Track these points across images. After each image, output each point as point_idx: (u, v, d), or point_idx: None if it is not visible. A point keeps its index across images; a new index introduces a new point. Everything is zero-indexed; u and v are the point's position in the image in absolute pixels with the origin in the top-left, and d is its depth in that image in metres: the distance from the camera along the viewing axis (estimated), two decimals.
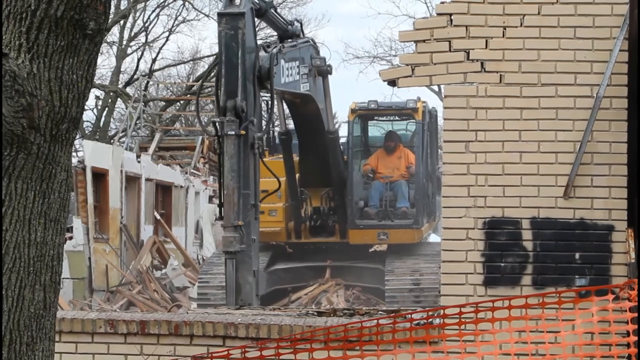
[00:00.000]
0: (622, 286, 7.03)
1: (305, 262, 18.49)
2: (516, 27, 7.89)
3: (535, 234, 7.84)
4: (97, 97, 39.98)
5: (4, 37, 4.24)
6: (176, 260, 23.60)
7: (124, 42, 41.42)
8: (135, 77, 39.58)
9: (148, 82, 38.30)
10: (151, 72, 41.02)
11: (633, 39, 7.70)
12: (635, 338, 6.65)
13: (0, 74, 4.12)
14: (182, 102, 39.51)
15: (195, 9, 41.91)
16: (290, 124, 18.70)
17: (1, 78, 4.12)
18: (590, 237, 7.79)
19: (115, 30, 40.18)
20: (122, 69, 41.76)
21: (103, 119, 39.86)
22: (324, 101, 16.70)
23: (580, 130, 7.78)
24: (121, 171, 23.12)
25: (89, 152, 21.81)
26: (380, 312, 8.67)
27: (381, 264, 18.27)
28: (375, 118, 19.98)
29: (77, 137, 28.13)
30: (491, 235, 7.86)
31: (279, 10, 16.16)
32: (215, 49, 31.84)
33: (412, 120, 18.99)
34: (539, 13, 7.87)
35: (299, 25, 15.72)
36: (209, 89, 31.81)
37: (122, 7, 38.81)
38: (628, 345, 6.78)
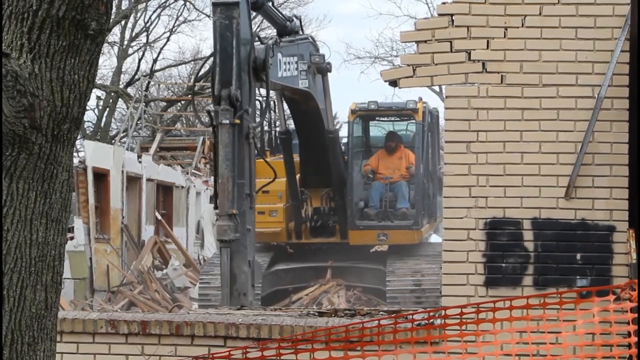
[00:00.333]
0: (623, 287, 7.02)
1: (306, 262, 18.48)
2: (517, 27, 7.89)
3: (537, 234, 7.84)
4: (99, 98, 40.00)
5: (5, 38, 4.24)
6: (177, 261, 23.60)
7: (125, 43, 41.43)
8: (137, 77, 39.58)
9: (149, 82, 38.30)
10: (152, 72, 41.03)
11: (634, 40, 7.70)
12: (636, 339, 6.65)
13: (1, 74, 4.13)
14: (183, 102, 39.51)
15: (196, 9, 41.95)
16: (291, 124, 18.70)
17: (1, 78, 4.12)
18: (591, 238, 7.79)
19: (117, 30, 40.21)
20: (123, 69, 41.80)
21: (104, 119, 39.87)
22: (324, 100, 16.68)
23: (581, 130, 7.78)
24: (122, 171, 23.13)
25: (90, 153, 21.81)
26: (381, 313, 8.67)
27: (382, 265, 18.26)
28: (377, 119, 19.98)
29: (78, 137, 28.16)
30: (492, 235, 7.86)
31: (280, 9, 16.09)
32: None
33: (412, 121, 18.99)
34: (540, 14, 7.87)
35: (298, 22, 15.68)
36: (209, 89, 31.77)
37: (123, 8, 38.82)
38: (629, 346, 6.77)
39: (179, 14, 42.32)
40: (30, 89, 4.21)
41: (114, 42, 40.67)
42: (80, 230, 21.09)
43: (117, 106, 41.26)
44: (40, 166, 4.32)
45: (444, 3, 8.06)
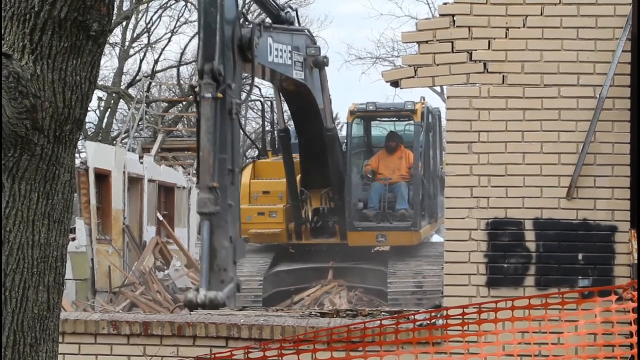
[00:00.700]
0: (625, 287, 7.02)
1: (308, 263, 18.48)
2: (519, 28, 7.89)
3: (539, 235, 7.84)
4: (100, 99, 39.99)
5: (8, 39, 4.24)
6: (179, 262, 23.59)
7: (127, 44, 41.43)
8: (138, 78, 39.58)
9: (151, 83, 38.30)
10: (154, 73, 41.02)
11: (636, 40, 7.70)
12: (638, 339, 6.65)
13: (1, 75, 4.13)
14: (184, 103, 39.50)
15: (198, 10, 41.88)
16: (291, 125, 18.70)
17: (1, 79, 4.12)
18: (593, 238, 7.79)
19: (118, 31, 40.20)
20: (124, 71, 41.79)
21: (106, 120, 39.87)
22: (322, 96, 16.63)
23: (583, 131, 7.78)
24: (124, 172, 23.12)
25: (91, 154, 21.81)
26: (383, 313, 8.67)
27: (384, 266, 18.26)
28: (378, 119, 19.99)
29: (80, 138, 28.16)
30: (494, 236, 7.86)
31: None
32: None
33: (410, 122, 18.99)
34: (542, 14, 7.87)
35: (294, 14, 15.58)
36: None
37: (124, 9, 38.83)
38: (631, 347, 6.77)
39: (180, 15, 42.31)
40: (33, 91, 4.21)
41: (116, 43, 40.68)
42: (82, 232, 21.09)
43: (119, 107, 41.26)
44: (42, 167, 4.32)
45: (445, 4, 8.07)
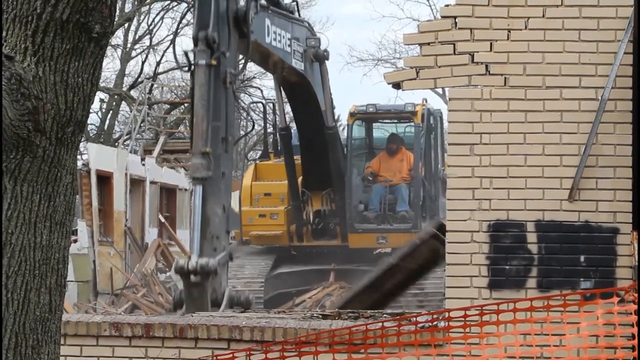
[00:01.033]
0: (627, 289, 7.02)
1: (309, 265, 18.49)
2: (521, 29, 7.88)
3: (540, 236, 7.83)
4: (102, 100, 39.99)
5: (9, 41, 4.24)
6: None
7: (129, 45, 41.44)
8: (140, 80, 39.59)
9: (152, 85, 38.31)
10: (155, 75, 41.03)
11: (637, 42, 7.69)
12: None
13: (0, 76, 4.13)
14: (186, 104, 39.49)
15: None
16: (293, 127, 18.70)
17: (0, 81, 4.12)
18: (595, 240, 7.79)
19: (120, 33, 40.20)
20: (126, 72, 41.79)
21: (107, 121, 39.88)
22: (322, 90, 16.59)
23: (585, 132, 7.77)
24: (126, 174, 23.13)
25: (93, 155, 21.82)
26: (385, 315, 8.67)
27: None
28: (379, 121, 20.01)
29: (82, 140, 28.10)
30: (496, 238, 7.85)
31: None
32: None
33: (411, 124, 19.01)
34: (543, 16, 7.87)
35: (294, 4, 15.47)
36: None
37: (126, 10, 38.83)
38: (633, 348, 6.77)
39: (183, 16, 42.29)
40: (34, 92, 4.21)
41: (118, 45, 40.68)
42: (84, 233, 21.09)
43: (121, 109, 41.26)
44: (44, 169, 4.32)
45: (447, 5, 8.07)
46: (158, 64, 41.69)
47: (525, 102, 7.87)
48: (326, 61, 16.59)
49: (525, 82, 7.88)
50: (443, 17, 8.02)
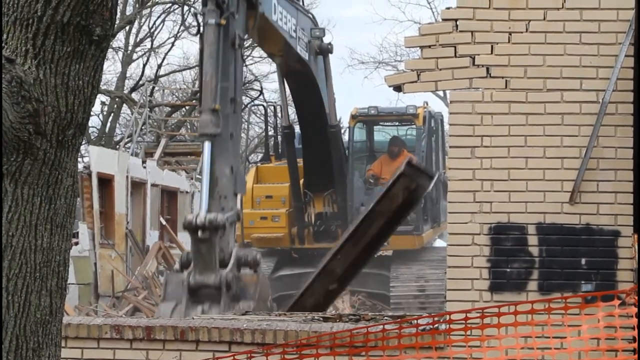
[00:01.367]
0: (628, 292, 7.01)
1: (310, 267, 18.47)
2: (522, 32, 7.89)
3: (541, 239, 7.84)
4: (103, 103, 40.00)
5: (10, 44, 4.24)
6: None
7: (130, 48, 41.46)
8: (141, 82, 39.59)
9: (153, 87, 38.32)
10: (157, 77, 41.05)
11: (638, 45, 7.69)
12: None
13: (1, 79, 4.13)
14: (187, 107, 39.52)
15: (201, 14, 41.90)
16: (296, 125, 18.69)
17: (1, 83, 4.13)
18: (596, 243, 7.79)
19: (121, 35, 40.22)
20: (127, 75, 41.80)
21: (109, 124, 39.89)
22: (325, 85, 16.54)
23: (586, 135, 7.77)
24: (127, 177, 23.13)
25: (94, 158, 21.82)
26: (386, 318, 8.67)
27: (386, 270, 18.27)
28: (381, 124, 20.01)
29: (83, 142, 28.12)
30: (497, 240, 7.85)
31: None
32: None
33: (412, 126, 19.00)
34: (544, 18, 7.87)
35: None
36: None
37: (127, 13, 38.84)
38: (634, 351, 6.76)
39: (184, 19, 42.32)
40: (35, 95, 4.21)
41: (119, 47, 40.70)
42: (85, 236, 21.09)
43: (122, 111, 41.28)
44: (45, 172, 4.32)
45: (448, 8, 8.07)
46: (159, 66, 41.73)
47: (526, 104, 7.88)
48: (330, 54, 16.50)
49: (526, 84, 7.88)
50: (444, 19, 8.02)
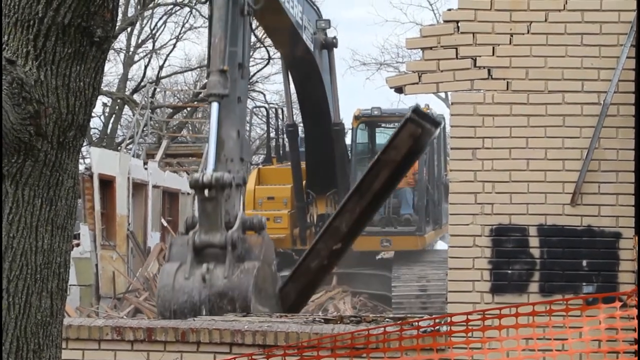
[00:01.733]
0: (629, 293, 7.01)
1: None
2: (523, 34, 7.89)
3: (543, 241, 7.83)
4: (104, 104, 40.02)
5: (11, 45, 4.24)
6: None
7: (131, 49, 41.48)
8: (143, 84, 39.61)
9: (155, 89, 38.34)
10: (158, 79, 41.07)
11: None
12: None
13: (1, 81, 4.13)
14: (189, 109, 39.54)
15: (202, 16, 41.94)
16: (299, 122, 18.68)
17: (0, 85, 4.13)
18: (597, 244, 7.78)
19: (123, 37, 40.24)
20: (129, 76, 41.82)
21: (110, 125, 39.91)
22: (330, 80, 16.47)
23: (587, 137, 7.77)
24: (128, 178, 23.14)
25: (96, 159, 21.83)
26: (387, 320, 8.66)
27: (388, 271, 18.27)
28: (383, 125, 20.02)
29: (85, 144, 28.16)
30: (498, 242, 7.85)
31: None
32: None
33: None
34: (546, 20, 7.87)
35: None
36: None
37: (129, 15, 38.87)
38: (635, 353, 6.75)
39: (185, 20, 42.35)
40: (36, 96, 4.21)
41: (120, 48, 40.73)
42: (86, 237, 21.10)
43: (123, 113, 41.30)
44: (45, 173, 4.32)
45: (449, 10, 8.07)
46: (161, 68, 41.76)
47: (527, 106, 7.87)
48: (335, 49, 16.44)
49: (527, 86, 7.88)
50: (445, 21, 8.02)
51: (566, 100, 7.85)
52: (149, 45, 42.52)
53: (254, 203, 18.84)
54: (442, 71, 7.98)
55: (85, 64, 4.33)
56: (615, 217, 7.78)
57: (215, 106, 11.39)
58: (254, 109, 32.43)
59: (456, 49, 7.95)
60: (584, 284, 7.79)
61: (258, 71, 38.60)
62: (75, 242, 20.17)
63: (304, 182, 18.11)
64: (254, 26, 12.92)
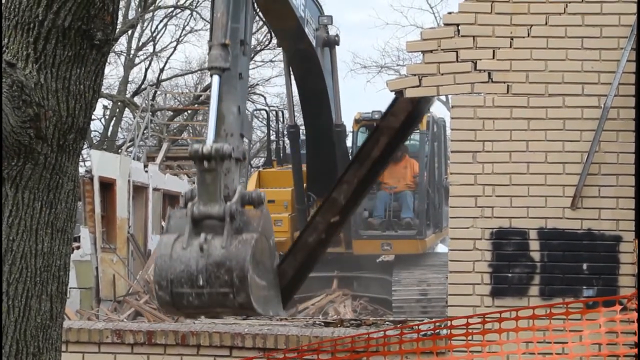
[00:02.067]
0: (629, 297, 7.01)
1: (312, 272, 18.44)
2: (523, 37, 7.88)
3: (543, 244, 7.83)
4: (105, 107, 40.04)
5: (11, 48, 4.24)
6: None
7: (132, 52, 41.49)
8: (143, 86, 39.61)
9: (156, 91, 38.32)
10: (159, 81, 41.07)
11: None
12: None
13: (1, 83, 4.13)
14: (189, 111, 39.56)
15: (203, 18, 41.98)
16: (300, 123, 18.65)
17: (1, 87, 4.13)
18: (597, 248, 7.78)
19: (123, 40, 40.26)
20: (129, 79, 41.83)
21: (111, 128, 39.91)
22: (331, 79, 16.42)
23: (587, 140, 7.77)
24: (129, 181, 23.13)
25: (96, 162, 21.82)
26: (387, 323, 8.66)
27: (388, 275, 18.26)
28: None
29: (85, 146, 28.13)
30: (498, 245, 7.84)
31: None
32: None
33: (416, 131, 18.99)
34: (546, 23, 7.87)
35: None
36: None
37: (130, 17, 38.88)
38: (635, 357, 6.75)
39: (186, 23, 42.39)
40: (36, 99, 4.21)
41: (121, 51, 40.74)
42: (87, 240, 21.09)
43: (124, 115, 41.32)
44: (45, 176, 4.32)
45: (450, 13, 8.07)
46: (161, 70, 41.77)
47: (527, 109, 7.87)
48: (337, 46, 16.39)
49: (527, 89, 7.87)
50: (446, 24, 8.02)
51: (566, 104, 7.85)
52: (149, 47, 42.56)
53: None
54: (442, 74, 7.97)
55: (85, 67, 4.33)
56: (616, 220, 7.78)
57: (216, 79, 11.31)
58: (255, 112, 32.44)
59: (456, 52, 7.95)
60: (584, 287, 7.78)
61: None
62: (75, 245, 20.17)
63: (304, 184, 18.10)
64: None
